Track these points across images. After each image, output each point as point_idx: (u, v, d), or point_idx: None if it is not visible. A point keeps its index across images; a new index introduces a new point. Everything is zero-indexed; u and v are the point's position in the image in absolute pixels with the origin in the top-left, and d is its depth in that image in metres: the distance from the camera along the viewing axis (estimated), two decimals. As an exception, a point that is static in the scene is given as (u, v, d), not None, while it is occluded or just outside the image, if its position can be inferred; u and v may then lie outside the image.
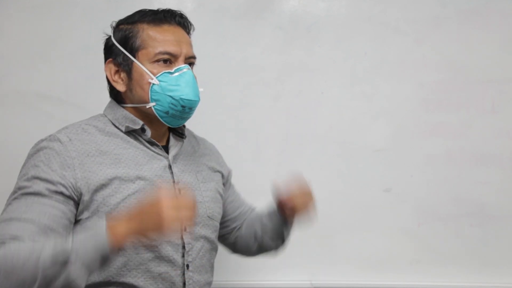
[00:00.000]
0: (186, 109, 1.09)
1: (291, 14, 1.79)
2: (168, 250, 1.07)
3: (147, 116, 1.11)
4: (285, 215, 1.26)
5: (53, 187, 0.99)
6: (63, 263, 0.86)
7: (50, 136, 1.06)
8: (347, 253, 1.79)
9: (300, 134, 1.77)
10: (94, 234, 0.89)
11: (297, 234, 1.79)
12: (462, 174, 1.79)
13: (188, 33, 1.17)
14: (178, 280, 1.08)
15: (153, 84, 1.06)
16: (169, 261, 1.07)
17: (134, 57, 1.08)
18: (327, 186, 1.79)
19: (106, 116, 1.15)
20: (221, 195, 1.26)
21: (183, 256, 1.09)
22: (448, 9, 1.78)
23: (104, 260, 0.89)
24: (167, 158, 1.14)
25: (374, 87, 1.79)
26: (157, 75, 1.07)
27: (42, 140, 1.06)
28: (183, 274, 1.09)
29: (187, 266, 1.10)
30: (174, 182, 1.12)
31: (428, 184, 1.79)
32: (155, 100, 1.07)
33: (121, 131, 1.11)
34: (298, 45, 1.78)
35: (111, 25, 1.17)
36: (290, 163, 1.78)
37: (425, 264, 1.79)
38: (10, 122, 1.72)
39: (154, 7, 1.15)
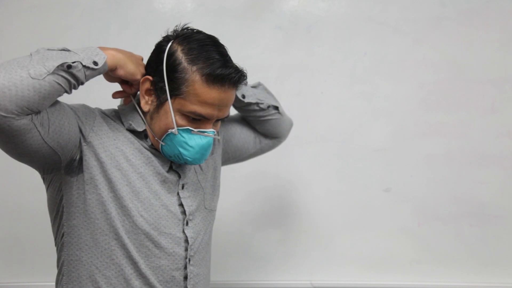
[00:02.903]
0: (187, 164, 1.12)
1: (291, 14, 1.79)
2: (168, 243, 1.08)
3: None
4: None
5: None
6: (61, 48, 0.95)
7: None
8: (347, 253, 1.79)
9: (300, 134, 1.77)
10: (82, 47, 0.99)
11: (297, 234, 1.80)
12: (462, 174, 1.79)
13: (238, 87, 1.09)
14: (178, 274, 1.09)
15: (172, 132, 1.06)
16: (169, 254, 1.08)
17: (171, 97, 1.04)
18: (327, 186, 1.79)
19: (117, 108, 1.15)
20: (220, 171, 1.28)
21: (186, 250, 1.10)
22: (448, 9, 1.78)
23: (95, 57, 0.96)
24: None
25: (374, 87, 1.79)
26: (179, 128, 1.05)
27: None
28: (185, 268, 1.10)
29: (189, 260, 1.10)
30: (179, 177, 1.13)
31: (427, 184, 1.79)
32: (166, 142, 1.07)
33: (123, 126, 1.10)
34: (298, 45, 1.78)
35: (176, 29, 1.08)
36: (290, 163, 1.78)
37: (425, 264, 1.80)
38: (10, 122, 1.72)
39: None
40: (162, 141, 1.07)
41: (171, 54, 1.04)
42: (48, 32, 1.73)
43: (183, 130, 1.05)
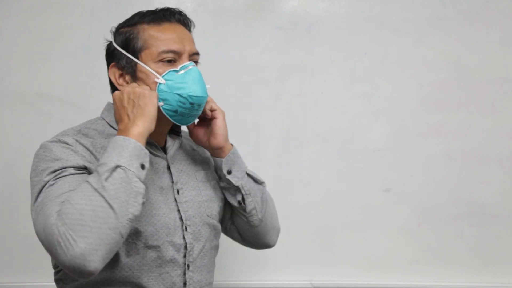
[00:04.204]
0: (195, 106, 1.08)
1: (291, 14, 1.79)
2: (170, 250, 1.07)
3: None
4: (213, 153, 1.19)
5: (80, 166, 1.00)
6: (115, 168, 0.90)
7: (53, 138, 1.04)
8: (347, 253, 1.79)
9: (300, 134, 1.77)
10: (117, 146, 0.94)
11: (297, 234, 1.80)
12: (462, 174, 1.79)
13: (189, 30, 1.16)
14: (178, 280, 1.08)
15: (160, 83, 1.06)
16: (169, 261, 1.07)
17: (137, 58, 1.07)
18: (327, 186, 1.79)
19: (103, 119, 1.14)
20: (222, 192, 1.25)
21: (184, 256, 1.10)
22: (448, 9, 1.78)
23: (141, 158, 0.95)
24: (165, 158, 1.14)
25: (374, 87, 1.79)
26: (163, 74, 1.06)
27: (47, 141, 1.03)
28: (184, 274, 1.09)
29: (188, 266, 1.10)
30: (173, 182, 1.12)
31: (428, 184, 1.79)
32: (163, 100, 1.06)
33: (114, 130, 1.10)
34: (298, 45, 1.78)
35: (110, 30, 1.15)
36: (290, 163, 1.78)
37: (425, 264, 1.79)
38: (10, 122, 1.72)
39: (154, 7, 1.15)
40: (159, 101, 1.06)
41: (117, 37, 1.12)
42: (48, 32, 1.73)
43: (167, 74, 1.06)
